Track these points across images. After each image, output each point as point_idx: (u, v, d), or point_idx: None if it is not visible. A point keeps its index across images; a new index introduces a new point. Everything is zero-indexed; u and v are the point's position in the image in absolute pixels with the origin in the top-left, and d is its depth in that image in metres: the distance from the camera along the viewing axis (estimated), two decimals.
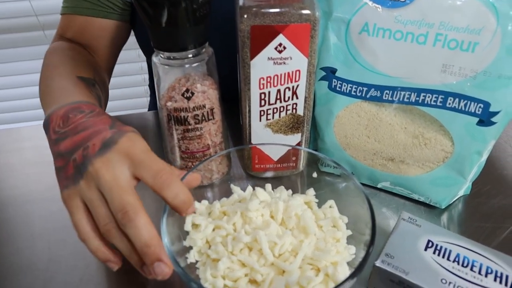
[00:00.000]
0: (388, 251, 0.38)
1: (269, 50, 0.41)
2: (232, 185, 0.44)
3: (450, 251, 0.38)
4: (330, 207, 0.41)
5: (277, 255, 0.35)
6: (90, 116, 0.40)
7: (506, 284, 0.35)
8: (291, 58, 0.41)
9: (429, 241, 0.39)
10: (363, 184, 0.51)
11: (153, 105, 0.90)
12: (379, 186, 0.51)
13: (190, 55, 0.43)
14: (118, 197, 0.33)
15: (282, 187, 0.44)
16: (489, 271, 0.36)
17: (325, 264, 0.35)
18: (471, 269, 0.37)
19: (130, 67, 1.41)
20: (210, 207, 0.42)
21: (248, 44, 0.41)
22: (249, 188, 0.44)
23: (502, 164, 0.55)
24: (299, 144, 0.48)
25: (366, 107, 0.47)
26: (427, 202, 0.48)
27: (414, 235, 0.40)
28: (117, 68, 0.70)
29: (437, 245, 0.39)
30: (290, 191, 0.45)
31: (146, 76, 1.21)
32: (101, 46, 0.63)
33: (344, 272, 0.34)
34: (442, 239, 0.39)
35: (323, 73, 0.48)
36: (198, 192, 0.44)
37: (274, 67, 0.42)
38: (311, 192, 0.43)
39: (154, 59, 0.43)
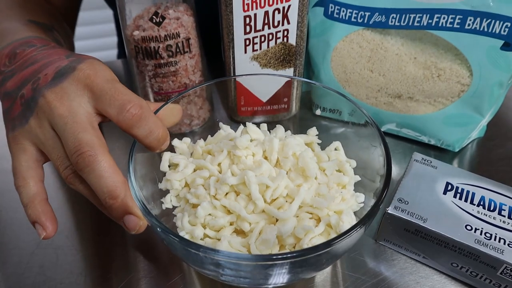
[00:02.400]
0: (401, 196, 0.32)
1: None
2: (220, 123, 0.37)
3: (474, 193, 0.32)
4: (336, 149, 0.35)
5: (269, 200, 0.29)
6: (42, 50, 0.33)
7: None
8: None
9: (447, 183, 0.33)
10: None
11: (122, 54, 0.80)
12: (383, 129, 0.44)
13: None
14: (72, 135, 0.27)
15: (280, 126, 0.36)
16: None
17: (327, 213, 0.29)
18: (500, 213, 0.31)
19: None
20: (192, 147, 0.35)
21: None
22: (241, 127, 0.37)
23: None
24: (290, 81, 0.41)
25: (369, 36, 0.40)
26: (439, 145, 0.42)
27: (430, 178, 0.34)
28: None
29: (457, 187, 0.33)
30: (289, 132, 0.38)
31: None
32: None
33: (350, 222, 0.28)
34: (463, 181, 0.33)
35: None
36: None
37: None
38: (313, 131, 0.36)
39: None
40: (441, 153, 0.43)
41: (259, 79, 0.40)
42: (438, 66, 0.38)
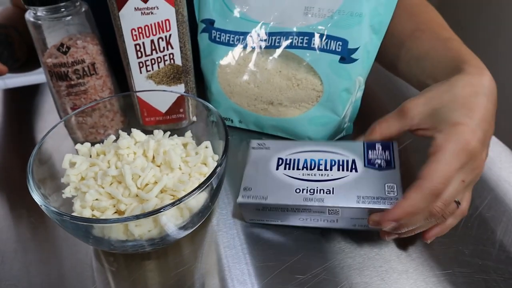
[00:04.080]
0: (246, 185, 0.41)
1: (134, 0, 0.43)
2: (120, 131, 0.47)
3: (298, 160, 0.42)
4: (206, 147, 0.45)
5: (140, 186, 0.39)
6: None
7: (347, 169, 0.40)
8: (157, 8, 0.45)
9: (279, 159, 0.42)
10: (252, 131, 0.55)
11: None
12: (265, 131, 0.54)
13: (63, 9, 0.45)
14: None
15: (160, 131, 0.46)
16: (333, 163, 0.41)
17: (184, 195, 0.38)
18: (318, 169, 0.40)
19: None
20: (91, 149, 0.44)
21: None
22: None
23: (383, 103, 0.60)
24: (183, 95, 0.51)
25: (244, 54, 0.50)
26: None
27: (264, 159, 0.43)
28: None
29: (285, 159, 0.42)
30: (176, 135, 0.48)
31: None
32: None
33: (198, 200, 0.38)
34: (290, 151, 0.42)
35: (204, 26, 0.51)
36: None
37: (142, 17, 0.45)
38: (188, 134, 0.46)
39: (27, 15, 0.46)
40: None
41: (154, 94, 0.50)
42: (297, 77, 0.49)
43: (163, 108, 0.51)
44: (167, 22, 0.46)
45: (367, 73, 0.50)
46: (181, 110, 0.52)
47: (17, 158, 0.55)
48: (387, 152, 0.41)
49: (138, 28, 0.46)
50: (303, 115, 0.51)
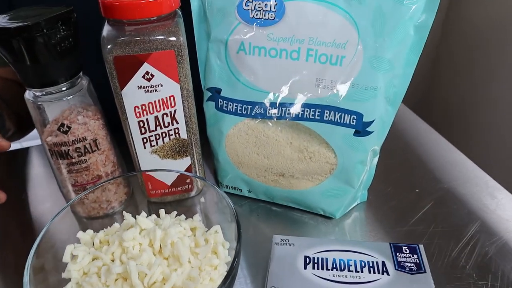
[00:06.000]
0: (272, 284, 0.40)
1: (137, 79, 0.42)
2: (124, 212, 0.45)
3: (327, 259, 0.41)
4: (216, 232, 0.43)
5: (147, 285, 0.37)
6: None
7: (379, 272, 0.39)
8: (161, 85, 0.43)
9: (305, 257, 0.41)
10: (262, 201, 0.53)
11: None
12: (276, 202, 0.53)
13: (64, 88, 0.44)
14: None
15: (167, 216, 0.45)
16: (363, 265, 0.40)
17: None
18: (349, 270, 0.40)
19: None
20: (94, 237, 0.43)
21: (115, 75, 0.42)
22: (143, 214, 0.45)
23: (397, 166, 0.58)
24: (189, 167, 0.50)
25: (253, 124, 0.49)
26: (322, 214, 0.51)
27: (290, 257, 0.42)
28: None
29: (313, 258, 0.41)
30: (183, 216, 0.46)
31: None
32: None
33: None
34: (317, 249, 0.42)
35: (210, 94, 0.50)
36: (97, 223, 0.47)
37: (146, 95, 0.44)
38: (196, 217, 0.45)
39: (27, 95, 0.44)
40: (328, 219, 0.51)
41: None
42: (309, 150, 0.47)
43: (169, 181, 0.50)
44: (171, 98, 0.44)
45: (382, 141, 0.48)
46: (188, 181, 0.50)
47: (15, 229, 0.54)
48: (415, 256, 0.40)
49: (141, 106, 0.44)
50: (316, 187, 0.49)
